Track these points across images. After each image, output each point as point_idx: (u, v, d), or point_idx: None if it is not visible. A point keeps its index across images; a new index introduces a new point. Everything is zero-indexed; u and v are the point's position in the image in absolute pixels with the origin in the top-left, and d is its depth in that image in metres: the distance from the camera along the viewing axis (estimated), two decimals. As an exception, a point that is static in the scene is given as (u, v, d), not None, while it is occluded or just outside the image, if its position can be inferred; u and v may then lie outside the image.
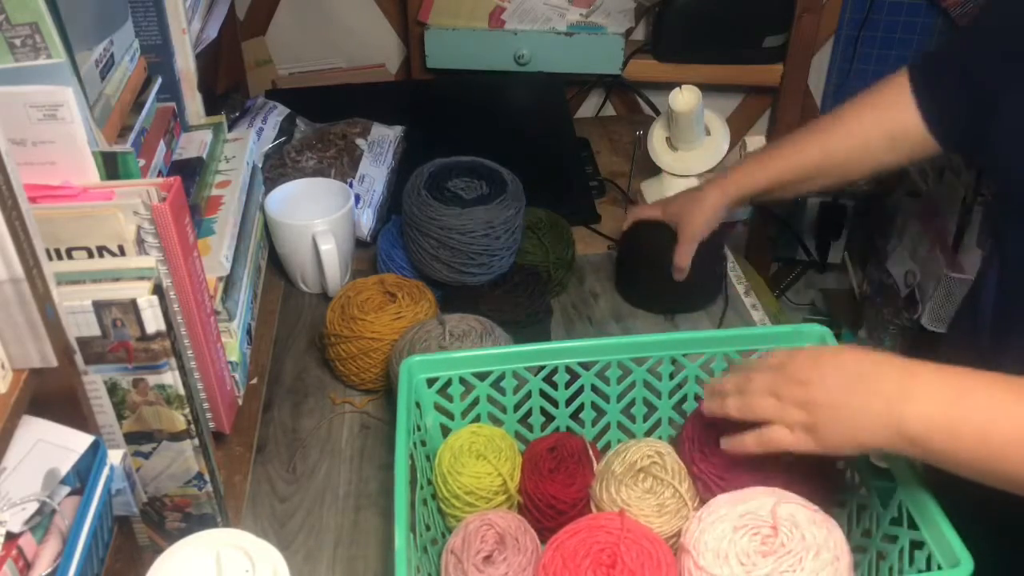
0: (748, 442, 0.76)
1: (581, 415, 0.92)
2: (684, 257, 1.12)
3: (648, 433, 0.93)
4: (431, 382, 0.88)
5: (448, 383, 0.88)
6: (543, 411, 0.92)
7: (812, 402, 0.70)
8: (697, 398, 0.92)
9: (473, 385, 0.89)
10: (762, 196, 1.10)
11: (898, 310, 1.76)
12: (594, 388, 0.91)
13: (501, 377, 0.89)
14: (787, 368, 0.73)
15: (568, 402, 0.91)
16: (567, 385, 0.90)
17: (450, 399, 0.89)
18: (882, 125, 0.98)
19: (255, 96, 1.51)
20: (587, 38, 1.66)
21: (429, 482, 0.86)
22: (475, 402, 0.90)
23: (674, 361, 0.90)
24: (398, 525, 0.72)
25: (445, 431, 0.90)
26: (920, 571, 0.71)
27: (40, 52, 0.72)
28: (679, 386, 0.92)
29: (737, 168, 1.12)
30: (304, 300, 1.23)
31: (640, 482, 0.83)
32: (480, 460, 0.86)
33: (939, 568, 0.69)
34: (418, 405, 0.87)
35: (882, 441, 0.68)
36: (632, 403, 0.92)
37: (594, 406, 0.92)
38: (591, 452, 0.88)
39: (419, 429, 0.87)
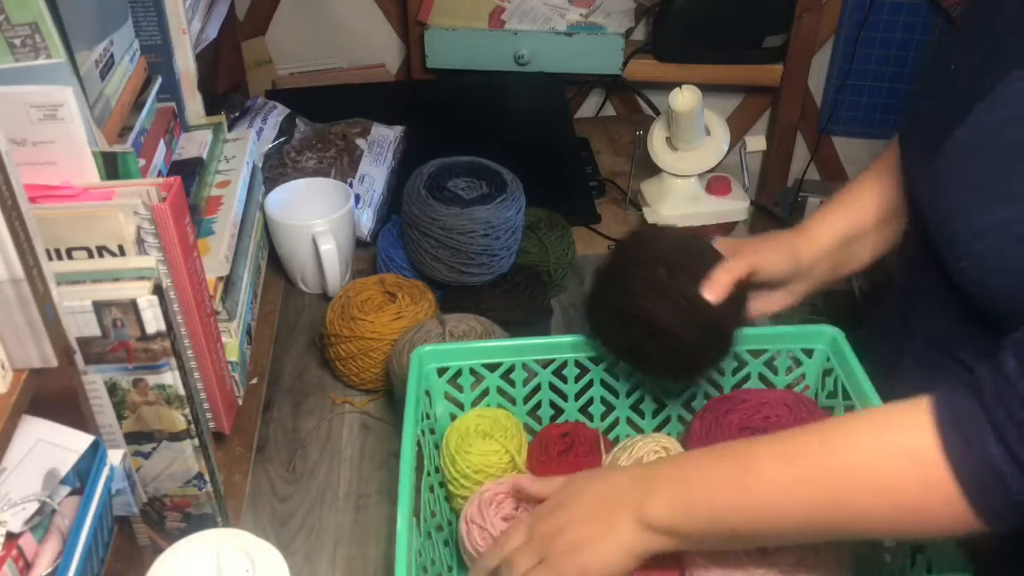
0: None
1: (590, 409, 0.92)
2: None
3: (657, 429, 0.93)
4: (441, 372, 0.88)
5: (458, 373, 0.89)
6: (552, 404, 0.92)
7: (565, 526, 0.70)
8: (707, 396, 0.92)
9: (483, 376, 0.89)
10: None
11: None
12: (603, 383, 0.91)
13: (511, 369, 0.89)
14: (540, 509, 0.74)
15: (577, 396, 0.92)
16: (576, 379, 0.90)
17: (460, 389, 0.89)
18: None
19: (255, 96, 1.51)
20: (587, 38, 1.66)
21: (437, 469, 0.86)
22: (485, 392, 0.90)
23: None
24: (400, 507, 0.72)
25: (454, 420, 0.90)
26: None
27: (40, 52, 0.72)
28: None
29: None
30: (304, 300, 1.22)
31: (644, 479, 0.83)
32: (487, 439, 0.86)
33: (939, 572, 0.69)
34: (428, 394, 0.87)
35: (644, 545, 0.68)
36: (641, 399, 0.92)
37: (603, 401, 0.92)
38: (603, 445, 0.88)
39: (428, 417, 0.87)
